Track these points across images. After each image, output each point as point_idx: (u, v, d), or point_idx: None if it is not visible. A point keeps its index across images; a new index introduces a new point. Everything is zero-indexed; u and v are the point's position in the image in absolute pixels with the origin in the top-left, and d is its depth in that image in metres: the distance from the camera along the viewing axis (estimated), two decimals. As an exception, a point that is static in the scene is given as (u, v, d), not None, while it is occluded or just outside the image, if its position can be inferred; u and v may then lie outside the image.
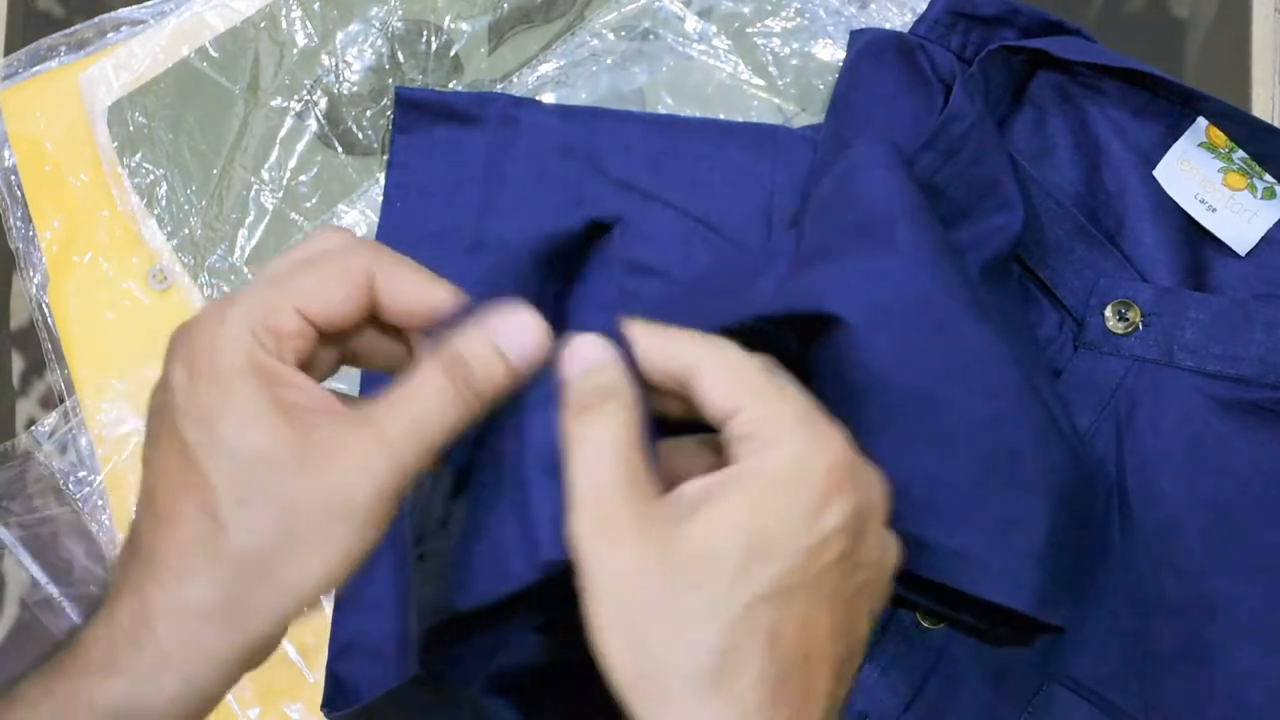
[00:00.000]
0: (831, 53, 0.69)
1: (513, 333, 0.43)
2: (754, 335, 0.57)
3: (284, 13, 0.71)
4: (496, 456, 0.44)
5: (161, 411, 0.42)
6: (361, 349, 0.46)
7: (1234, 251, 0.63)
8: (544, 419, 0.43)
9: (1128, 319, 0.62)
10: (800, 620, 0.40)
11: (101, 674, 0.40)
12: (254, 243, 0.70)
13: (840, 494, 0.41)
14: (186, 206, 0.70)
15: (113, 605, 0.40)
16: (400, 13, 0.71)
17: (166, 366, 0.42)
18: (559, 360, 0.44)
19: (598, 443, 0.42)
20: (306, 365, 0.43)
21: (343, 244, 0.44)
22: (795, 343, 0.57)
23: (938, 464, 0.54)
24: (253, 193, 0.70)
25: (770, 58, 0.70)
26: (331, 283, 0.42)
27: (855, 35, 0.66)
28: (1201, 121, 0.63)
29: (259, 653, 0.42)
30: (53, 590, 0.67)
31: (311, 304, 0.42)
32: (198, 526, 0.40)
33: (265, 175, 0.70)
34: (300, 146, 0.70)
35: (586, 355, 0.44)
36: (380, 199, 0.69)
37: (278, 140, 0.70)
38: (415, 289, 0.43)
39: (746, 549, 0.40)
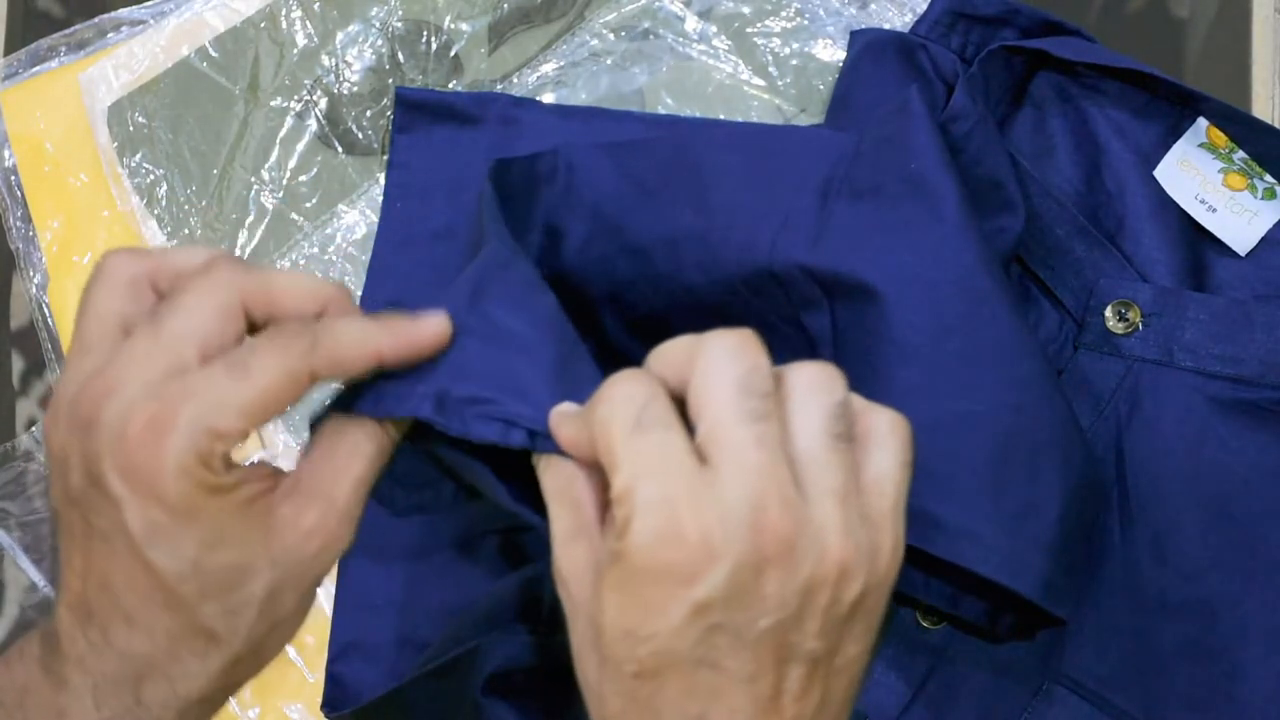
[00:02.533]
0: (831, 53, 0.69)
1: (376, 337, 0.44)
2: (774, 283, 0.57)
3: (284, 13, 0.71)
4: None
5: (102, 515, 0.41)
6: None
7: (1234, 252, 0.63)
8: None
9: (1128, 319, 0.62)
10: (683, 690, 0.39)
11: None
12: (254, 243, 0.70)
13: (703, 572, 0.38)
14: (186, 206, 0.70)
15: (99, 687, 0.42)
16: (400, 13, 0.71)
17: (97, 465, 0.41)
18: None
19: (561, 483, 0.43)
20: None
21: (282, 340, 0.42)
22: (821, 295, 0.57)
23: (958, 443, 0.54)
24: (253, 193, 0.70)
25: (770, 58, 0.70)
26: (275, 393, 0.42)
27: (855, 35, 0.66)
28: (1202, 122, 0.63)
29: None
30: (50, 593, 0.67)
31: (255, 418, 0.42)
32: (188, 639, 0.42)
33: (265, 175, 0.70)
34: (300, 146, 0.70)
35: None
36: (380, 199, 0.69)
37: (278, 140, 0.70)
38: (357, 356, 0.43)
39: (617, 631, 0.39)
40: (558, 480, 0.42)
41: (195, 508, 0.41)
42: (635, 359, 0.62)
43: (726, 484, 0.38)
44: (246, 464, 0.44)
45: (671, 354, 0.42)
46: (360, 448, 0.44)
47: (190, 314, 0.42)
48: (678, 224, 0.59)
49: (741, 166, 0.59)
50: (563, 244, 0.60)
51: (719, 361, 0.40)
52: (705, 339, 0.41)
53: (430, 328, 0.44)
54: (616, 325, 0.61)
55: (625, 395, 0.40)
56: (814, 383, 0.41)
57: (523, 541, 0.63)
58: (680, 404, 0.41)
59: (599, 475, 0.41)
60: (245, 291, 0.43)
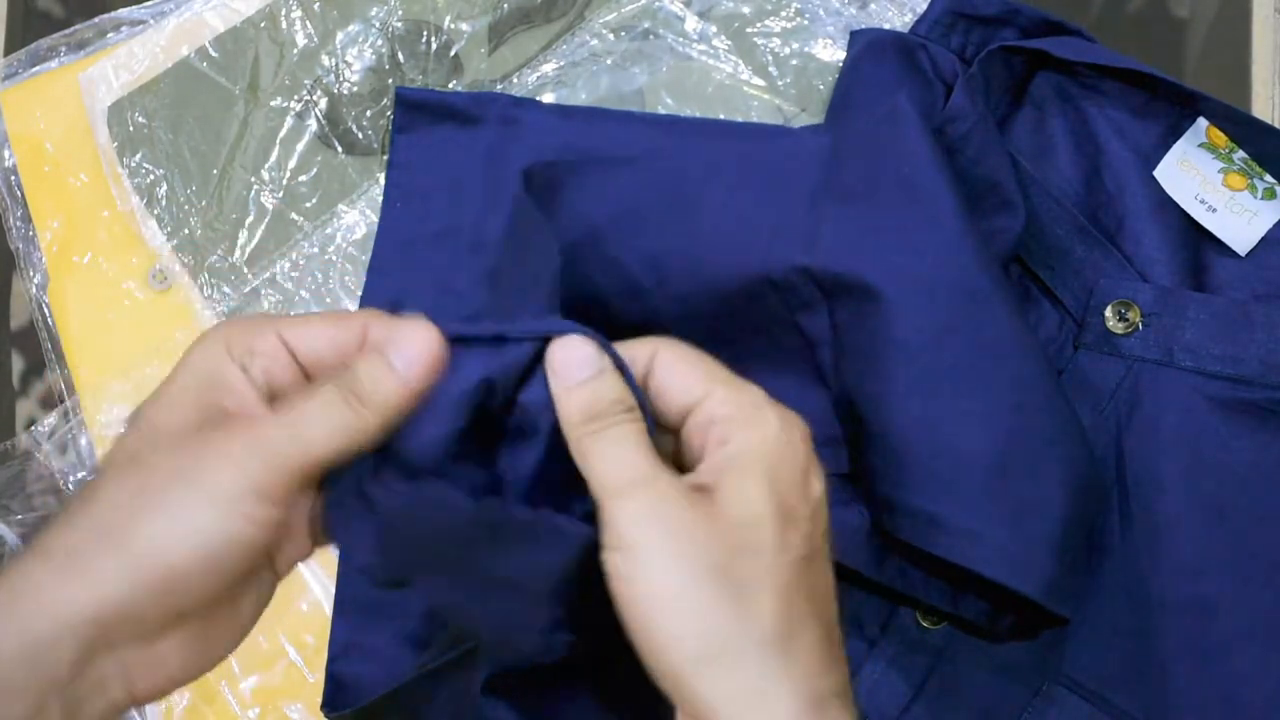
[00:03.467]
0: (831, 53, 0.69)
1: (403, 345, 0.43)
2: (769, 285, 0.57)
3: (284, 13, 0.71)
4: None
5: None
6: None
7: (1234, 252, 0.63)
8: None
9: (1128, 319, 0.62)
10: (824, 581, 0.43)
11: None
12: (254, 243, 0.70)
13: (814, 465, 0.43)
14: (186, 206, 0.70)
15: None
16: (400, 13, 0.71)
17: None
18: (550, 361, 0.44)
19: (622, 440, 0.43)
20: (275, 394, 0.44)
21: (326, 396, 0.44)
22: (820, 297, 0.57)
23: (960, 442, 0.54)
24: (253, 193, 0.70)
25: (770, 58, 0.70)
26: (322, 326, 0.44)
27: (855, 35, 0.66)
28: (1202, 122, 0.63)
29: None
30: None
31: (299, 340, 0.44)
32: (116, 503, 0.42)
33: (265, 175, 0.70)
34: (300, 146, 0.70)
35: (580, 360, 0.44)
36: (380, 199, 0.69)
37: (278, 140, 0.70)
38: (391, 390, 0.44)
39: (778, 517, 0.42)
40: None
41: (182, 379, 0.43)
42: None
43: (789, 413, 0.44)
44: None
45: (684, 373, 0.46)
46: (332, 419, 0.43)
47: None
48: (663, 243, 0.59)
49: (730, 189, 0.59)
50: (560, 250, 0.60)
51: (688, 347, 0.46)
52: (663, 339, 0.46)
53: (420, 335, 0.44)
54: (600, 330, 0.61)
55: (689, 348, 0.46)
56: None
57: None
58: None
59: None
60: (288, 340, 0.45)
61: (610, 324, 0.60)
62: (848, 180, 0.58)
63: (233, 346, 0.43)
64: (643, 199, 0.60)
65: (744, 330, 0.59)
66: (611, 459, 0.43)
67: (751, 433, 0.43)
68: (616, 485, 0.42)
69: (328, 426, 0.43)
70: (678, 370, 0.44)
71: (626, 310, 0.60)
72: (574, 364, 0.44)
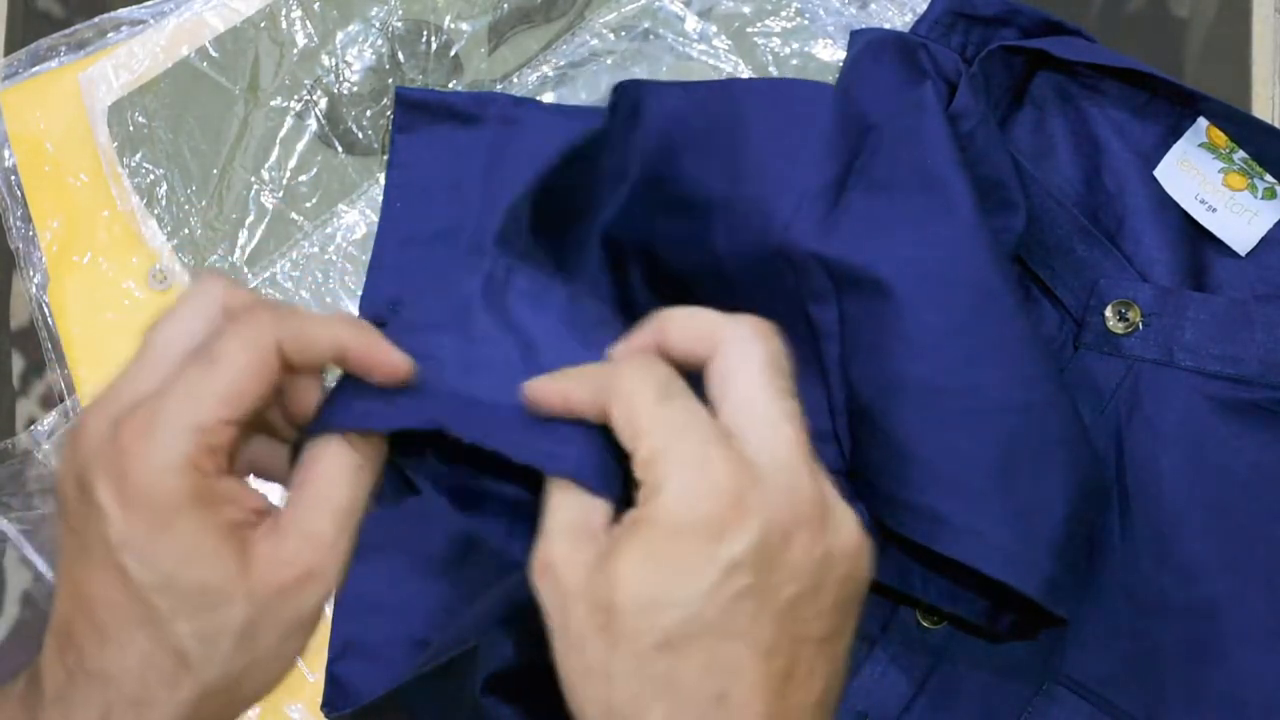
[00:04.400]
0: (831, 53, 0.69)
1: (383, 369, 0.43)
2: (786, 265, 0.57)
3: (284, 13, 0.71)
4: None
5: (90, 529, 0.41)
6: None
7: (1234, 252, 0.63)
8: None
9: (1128, 319, 0.61)
10: (705, 663, 0.39)
11: None
12: (254, 243, 0.70)
13: (734, 528, 0.39)
14: (186, 206, 0.70)
15: (67, 713, 0.41)
16: (400, 13, 0.71)
17: (88, 477, 0.41)
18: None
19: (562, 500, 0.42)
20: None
21: (243, 322, 0.42)
22: (831, 288, 0.57)
23: (966, 441, 0.54)
24: (253, 193, 0.70)
25: (770, 58, 0.70)
26: (250, 376, 0.41)
27: (855, 35, 0.66)
28: (1202, 122, 0.63)
29: None
30: (53, 579, 0.67)
31: (236, 408, 0.41)
32: (159, 661, 0.40)
33: (265, 175, 0.70)
34: (300, 146, 0.70)
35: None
36: (380, 199, 0.69)
37: (278, 140, 0.70)
38: (322, 339, 0.43)
39: (641, 600, 0.39)
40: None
41: (175, 517, 0.40)
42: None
43: (760, 451, 0.40)
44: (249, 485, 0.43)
45: (691, 327, 0.43)
46: (342, 476, 0.43)
47: (176, 321, 0.43)
48: (711, 188, 0.60)
49: (771, 127, 0.60)
50: (620, 187, 0.62)
51: (747, 342, 0.42)
52: (730, 319, 0.42)
53: (398, 358, 0.43)
54: (640, 279, 0.62)
55: (646, 371, 0.41)
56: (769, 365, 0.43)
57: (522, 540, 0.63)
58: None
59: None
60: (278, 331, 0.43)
61: (653, 270, 0.61)
62: (876, 170, 0.58)
63: (197, 461, 0.41)
64: (698, 123, 0.61)
65: (762, 304, 0.60)
66: (559, 504, 0.42)
67: (649, 505, 0.40)
68: (543, 538, 0.42)
69: (360, 488, 0.43)
70: (619, 410, 0.41)
71: (674, 259, 0.61)
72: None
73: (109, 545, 0.40)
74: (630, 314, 0.64)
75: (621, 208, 0.62)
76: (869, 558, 0.42)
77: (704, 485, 0.39)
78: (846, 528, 0.41)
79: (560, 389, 0.42)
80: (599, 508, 0.41)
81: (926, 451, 0.54)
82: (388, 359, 0.43)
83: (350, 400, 0.43)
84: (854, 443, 0.58)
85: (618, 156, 0.62)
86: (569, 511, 0.41)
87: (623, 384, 0.41)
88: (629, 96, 0.62)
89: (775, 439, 0.40)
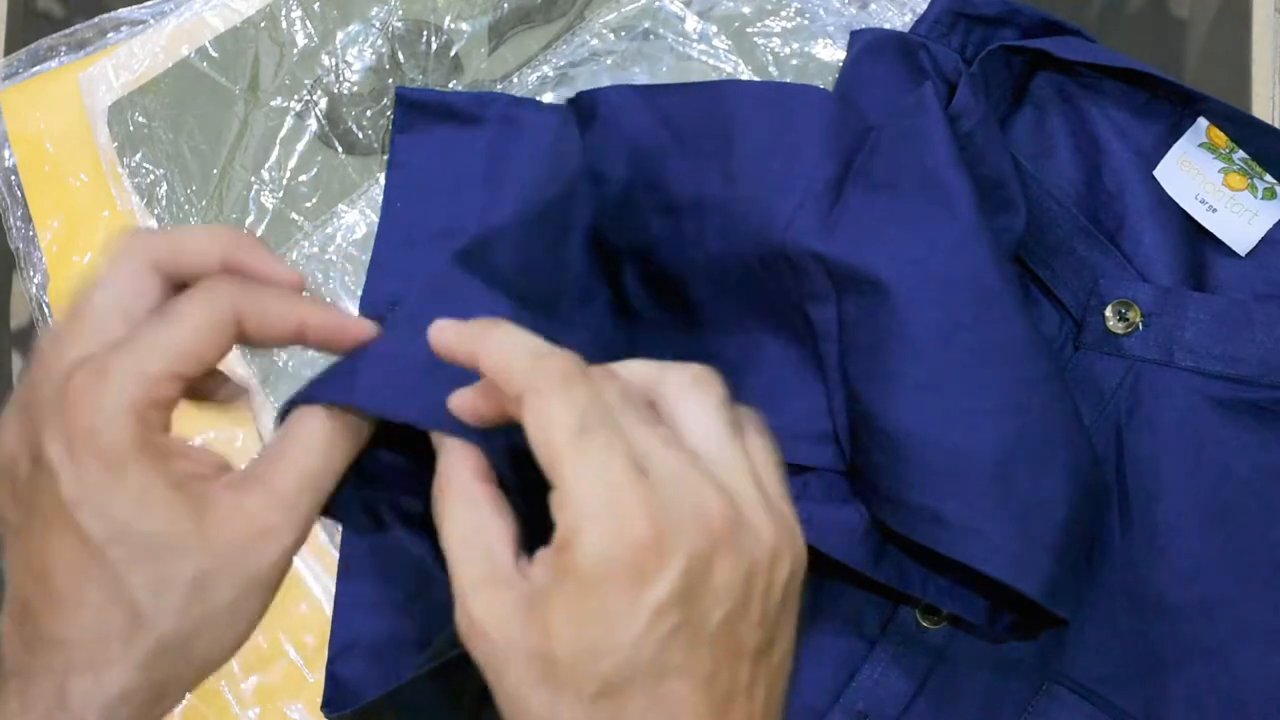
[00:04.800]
0: (831, 53, 0.69)
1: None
2: (784, 263, 0.58)
3: (284, 13, 0.71)
4: None
5: (42, 493, 0.41)
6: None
7: (1234, 252, 0.63)
8: None
9: (1128, 319, 0.61)
10: (647, 704, 0.39)
11: None
12: (254, 243, 0.70)
13: (655, 571, 0.38)
14: (186, 206, 0.70)
15: (25, 686, 0.41)
16: (400, 13, 0.71)
17: (38, 439, 0.41)
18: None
19: (466, 532, 0.41)
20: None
21: (208, 287, 0.43)
22: (830, 288, 0.58)
23: (966, 441, 0.54)
24: (253, 193, 0.70)
25: (770, 58, 0.70)
26: (203, 337, 0.42)
27: (855, 35, 0.66)
28: (1202, 122, 0.63)
29: (168, 712, 0.43)
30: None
31: (187, 364, 0.41)
32: (112, 616, 0.40)
33: (265, 175, 0.70)
34: (300, 146, 0.70)
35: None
36: (380, 199, 0.69)
37: (278, 140, 0.70)
38: (281, 316, 0.43)
39: (576, 650, 0.38)
40: (462, 527, 0.41)
41: (127, 464, 0.40)
42: (648, 315, 0.62)
43: (664, 485, 0.38)
44: (196, 443, 0.43)
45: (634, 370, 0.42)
46: (314, 443, 0.43)
47: (108, 287, 0.43)
48: (706, 187, 0.60)
49: (767, 128, 0.60)
50: (604, 189, 0.62)
51: (553, 404, 0.39)
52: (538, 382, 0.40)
53: (358, 323, 0.44)
54: (635, 279, 0.62)
55: (568, 394, 0.39)
56: (699, 382, 0.41)
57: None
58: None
59: (505, 517, 0.41)
60: (155, 252, 0.43)
61: (647, 270, 0.61)
62: (876, 170, 0.58)
63: (143, 412, 0.41)
64: (689, 126, 0.61)
65: (760, 304, 0.60)
66: (455, 551, 0.41)
67: (566, 554, 0.38)
68: (461, 579, 0.41)
69: (331, 458, 0.43)
70: (535, 440, 0.39)
71: (669, 259, 0.61)
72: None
73: (62, 504, 0.40)
74: (627, 315, 0.64)
75: (611, 209, 0.62)
76: (795, 550, 0.41)
77: (620, 535, 0.38)
78: (765, 532, 0.40)
79: (473, 393, 0.41)
80: (500, 541, 0.40)
81: (926, 451, 0.54)
82: (347, 332, 0.44)
83: (335, 376, 0.44)
84: (854, 443, 0.58)
85: (590, 156, 0.62)
86: (475, 563, 0.40)
87: (542, 403, 0.39)
88: (586, 100, 0.63)
89: (672, 470, 0.39)
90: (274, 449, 0.43)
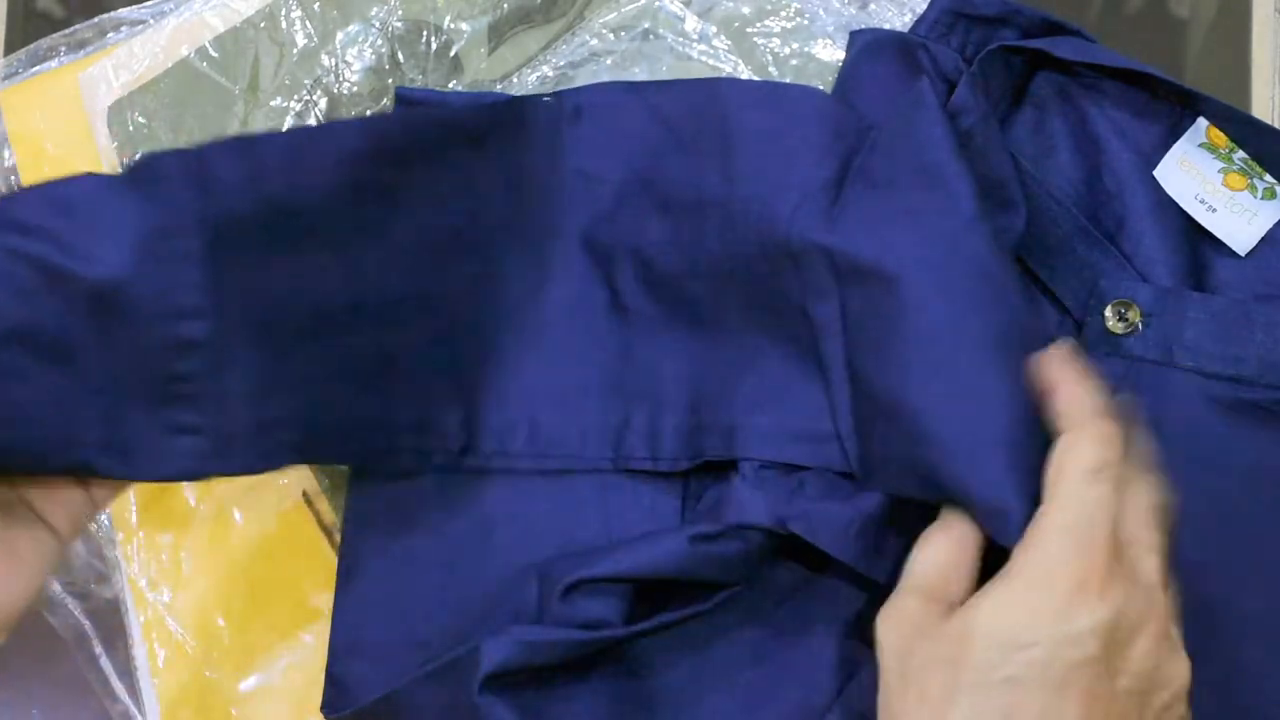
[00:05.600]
0: (831, 53, 0.69)
1: None
2: (786, 259, 0.58)
3: (284, 13, 0.71)
4: None
5: None
6: None
7: (1234, 252, 0.63)
8: None
9: (1127, 319, 0.61)
10: (1039, 711, 0.43)
11: None
12: (254, 243, 0.70)
13: (1095, 597, 0.44)
14: (186, 206, 0.70)
15: None
16: (400, 13, 0.71)
17: None
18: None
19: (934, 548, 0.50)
20: None
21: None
22: (833, 283, 0.57)
23: (982, 420, 0.54)
24: (253, 193, 0.70)
25: (770, 58, 0.70)
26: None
27: (855, 35, 0.66)
28: (1202, 122, 0.63)
29: None
30: (55, 586, 0.67)
31: None
32: None
33: (265, 175, 0.70)
34: (300, 146, 0.70)
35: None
36: (380, 199, 0.69)
37: (278, 140, 0.70)
38: None
39: (999, 637, 0.43)
40: (956, 530, 0.50)
41: None
42: (647, 316, 0.62)
43: (1129, 557, 0.47)
44: None
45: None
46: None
47: None
48: (704, 188, 0.60)
49: (766, 127, 0.60)
50: (598, 189, 0.61)
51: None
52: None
53: None
54: (632, 280, 0.62)
55: (1098, 443, 0.48)
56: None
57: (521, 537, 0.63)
58: None
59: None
60: None
61: (645, 271, 0.61)
62: (875, 168, 0.58)
63: None
64: (686, 126, 0.62)
65: (760, 304, 0.60)
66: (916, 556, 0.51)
67: (1018, 561, 0.46)
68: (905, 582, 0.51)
69: None
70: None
71: (667, 261, 0.61)
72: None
73: None
74: (624, 317, 0.64)
75: (605, 210, 0.62)
76: (1186, 707, 0.48)
77: (1082, 550, 0.45)
78: (1182, 666, 0.48)
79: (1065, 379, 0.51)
80: (962, 574, 0.47)
81: (946, 432, 0.54)
82: None
83: None
84: (867, 441, 0.58)
85: (578, 157, 0.62)
86: (930, 576, 0.48)
87: (1073, 442, 0.48)
88: (569, 99, 0.63)
89: (1150, 562, 0.47)
90: None
